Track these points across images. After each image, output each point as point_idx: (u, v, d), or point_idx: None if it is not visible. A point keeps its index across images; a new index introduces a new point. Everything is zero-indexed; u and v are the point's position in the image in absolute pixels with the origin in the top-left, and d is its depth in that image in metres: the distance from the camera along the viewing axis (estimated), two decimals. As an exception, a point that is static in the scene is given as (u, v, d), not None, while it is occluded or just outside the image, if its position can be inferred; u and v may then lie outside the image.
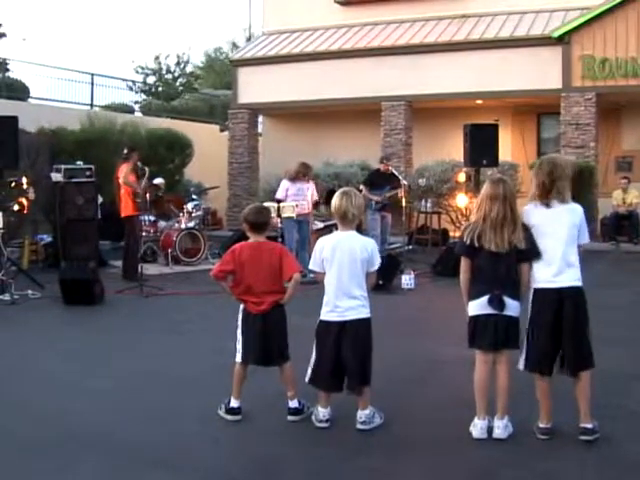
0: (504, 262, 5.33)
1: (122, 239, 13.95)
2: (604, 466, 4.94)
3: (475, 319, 5.44)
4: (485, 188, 5.48)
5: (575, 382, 5.38)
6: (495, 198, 5.34)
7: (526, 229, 5.40)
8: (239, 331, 5.95)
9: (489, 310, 5.33)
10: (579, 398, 5.37)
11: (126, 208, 13.11)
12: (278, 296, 5.86)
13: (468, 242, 5.38)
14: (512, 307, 5.35)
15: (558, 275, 5.36)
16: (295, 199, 13.35)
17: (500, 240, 5.29)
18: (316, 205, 14.27)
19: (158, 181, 16.36)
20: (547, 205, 5.41)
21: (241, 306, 5.95)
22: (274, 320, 5.87)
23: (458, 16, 21.53)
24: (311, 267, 5.77)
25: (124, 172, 13.12)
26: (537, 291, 5.41)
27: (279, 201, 13.13)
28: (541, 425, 5.40)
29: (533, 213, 5.45)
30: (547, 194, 5.40)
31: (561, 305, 5.33)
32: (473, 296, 5.44)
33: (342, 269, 5.59)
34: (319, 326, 5.71)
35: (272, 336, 5.85)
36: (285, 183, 13.67)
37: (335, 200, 5.67)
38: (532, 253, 5.40)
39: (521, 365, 5.45)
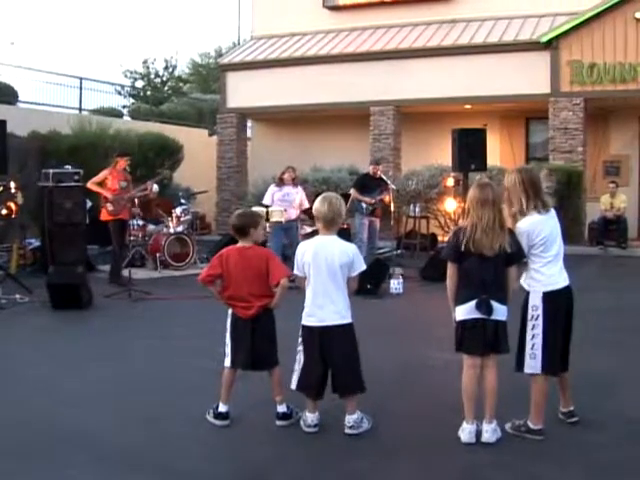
0: (492, 266, 5.35)
1: (110, 243, 13.89)
2: (592, 470, 4.95)
3: (463, 324, 5.46)
4: (473, 192, 5.49)
5: (564, 375, 5.66)
6: (485, 203, 5.36)
7: (512, 233, 5.43)
8: (227, 335, 5.94)
9: (477, 314, 5.34)
10: (566, 388, 5.69)
11: (102, 213, 13.10)
12: (266, 300, 5.85)
13: (462, 247, 5.38)
14: (500, 311, 5.37)
15: (564, 275, 5.57)
16: (281, 204, 13.31)
17: (489, 245, 5.31)
18: (306, 211, 14.18)
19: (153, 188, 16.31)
20: (547, 210, 5.54)
21: (230, 311, 5.95)
22: (263, 325, 5.86)
23: (447, 21, 21.60)
24: (294, 272, 5.77)
25: (97, 176, 13.14)
26: (550, 293, 5.45)
27: (267, 206, 13.10)
28: (539, 426, 5.46)
29: (540, 221, 5.49)
30: (544, 201, 5.52)
31: (568, 303, 5.55)
32: (461, 300, 5.45)
33: (322, 273, 5.57)
34: (302, 331, 5.70)
35: (261, 341, 5.84)
36: (272, 188, 13.62)
37: (321, 204, 5.64)
38: (519, 256, 5.45)
39: (536, 369, 5.46)
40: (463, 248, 5.38)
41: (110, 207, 12.87)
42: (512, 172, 5.67)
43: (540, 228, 5.46)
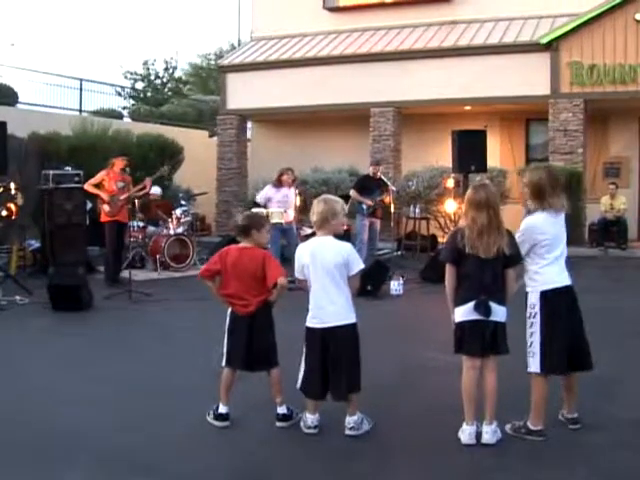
0: (490, 268, 5.35)
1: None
2: (593, 472, 4.94)
3: (462, 325, 5.46)
4: (467, 194, 5.53)
5: (568, 378, 5.64)
6: (478, 205, 5.38)
7: (510, 234, 5.44)
8: (226, 335, 5.95)
9: (476, 316, 5.34)
10: (572, 392, 5.67)
11: (100, 215, 13.15)
12: (265, 295, 5.86)
13: (459, 248, 5.40)
14: (499, 313, 5.37)
15: (564, 274, 5.57)
16: (281, 206, 13.30)
17: (486, 246, 5.32)
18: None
19: (154, 190, 16.31)
20: (557, 211, 5.55)
21: (229, 310, 5.96)
22: (260, 323, 5.86)
23: (447, 22, 21.59)
24: (295, 274, 5.78)
25: (94, 177, 13.18)
26: (548, 292, 5.46)
27: (257, 204, 13.10)
28: (539, 427, 5.46)
29: (548, 220, 5.51)
30: (558, 200, 5.53)
31: (572, 300, 5.55)
32: (459, 302, 5.45)
33: (320, 274, 5.57)
34: (306, 333, 5.70)
35: (258, 339, 5.84)
36: (269, 189, 13.56)
37: (315, 206, 5.67)
38: (517, 258, 5.45)
39: (536, 368, 5.46)
40: (460, 249, 5.39)
41: (107, 208, 12.92)
42: (538, 169, 5.72)
43: (547, 227, 5.49)
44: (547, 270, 5.48)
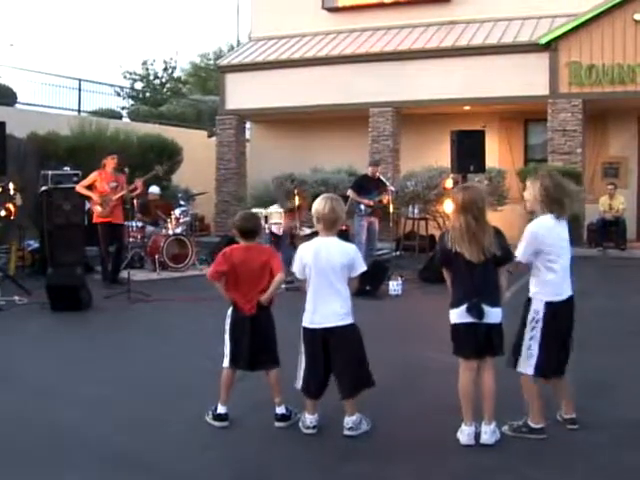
0: (481, 270, 5.34)
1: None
2: (593, 472, 4.95)
3: (456, 328, 5.46)
4: (453, 196, 5.55)
5: (559, 381, 5.64)
6: (457, 207, 5.41)
7: (498, 234, 5.43)
8: (227, 336, 5.94)
9: (469, 319, 5.34)
10: (565, 394, 5.67)
11: (93, 216, 13.15)
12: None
13: (448, 249, 5.40)
14: (492, 314, 5.35)
15: (568, 285, 5.57)
16: None
17: (472, 249, 5.31)
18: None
19: (153, 190, 16.31)
20: (559, 219, 5.51)
21: (229, 310, 5.95)
22: (262, 323, 5.86)
23: (446, 22, 21.60)
24: (294, 273, 5.78)
25: (86, 179, 13.17)
26: (552, 303, 5.45)
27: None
28: (540, 425, 5.48)
29: (553, 226, 5.48)
30: (561, 208, 5.50)
31: (572, 309, 5.55)
32: (453, 304, 5.46)
33: (323, 275, 5.56)
34: (303, 333, 5.68)
35: (260, 339, 5.84)
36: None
37: (323, 205, 5.61)
38: (507, 258, 5.44)
39: (529, 370, 5.48)
40: (449, 251, 5.40)
41: (98, 209, 12.89)
42: (546, 176, 5.70)
43: (552, 234, 5.46)
44: (554, 281, 5.46)
